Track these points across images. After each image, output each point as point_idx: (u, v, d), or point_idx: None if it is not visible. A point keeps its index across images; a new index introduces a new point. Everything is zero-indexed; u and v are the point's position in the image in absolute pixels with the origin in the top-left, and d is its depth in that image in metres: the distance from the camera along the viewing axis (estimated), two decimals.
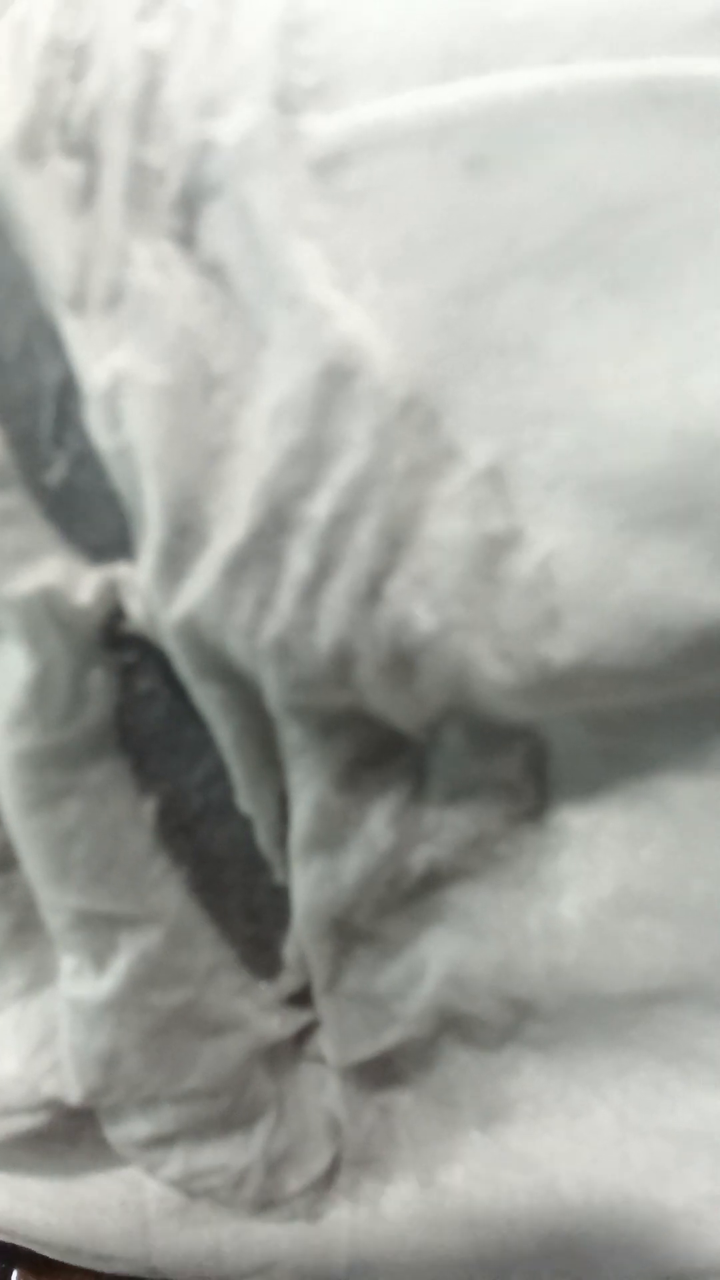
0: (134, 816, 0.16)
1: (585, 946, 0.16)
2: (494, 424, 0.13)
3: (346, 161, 0.13)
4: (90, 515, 0.14)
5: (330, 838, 0.16)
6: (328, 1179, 0.19)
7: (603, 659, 0.13)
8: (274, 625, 0.13)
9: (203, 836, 0.16)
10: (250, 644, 0.13)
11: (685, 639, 0.13)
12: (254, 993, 0.17)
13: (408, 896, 0.16)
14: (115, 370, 0.13)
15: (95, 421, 0.13)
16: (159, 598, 0.13)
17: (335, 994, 0.17)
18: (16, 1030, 0.17)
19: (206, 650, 0.14)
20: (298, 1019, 0.18)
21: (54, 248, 0.13)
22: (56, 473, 0.14)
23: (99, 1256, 0.20)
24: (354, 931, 0.16)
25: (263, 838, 0.16)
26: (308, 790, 0.15)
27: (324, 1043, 0.18)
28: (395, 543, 0.13)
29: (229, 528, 0.13)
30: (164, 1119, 0.17)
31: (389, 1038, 0.17)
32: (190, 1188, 0.18)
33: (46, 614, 0.14)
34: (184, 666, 0.14)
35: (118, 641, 0.15)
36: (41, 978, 0.17)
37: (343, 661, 0.13)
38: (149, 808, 0.16)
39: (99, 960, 0.16)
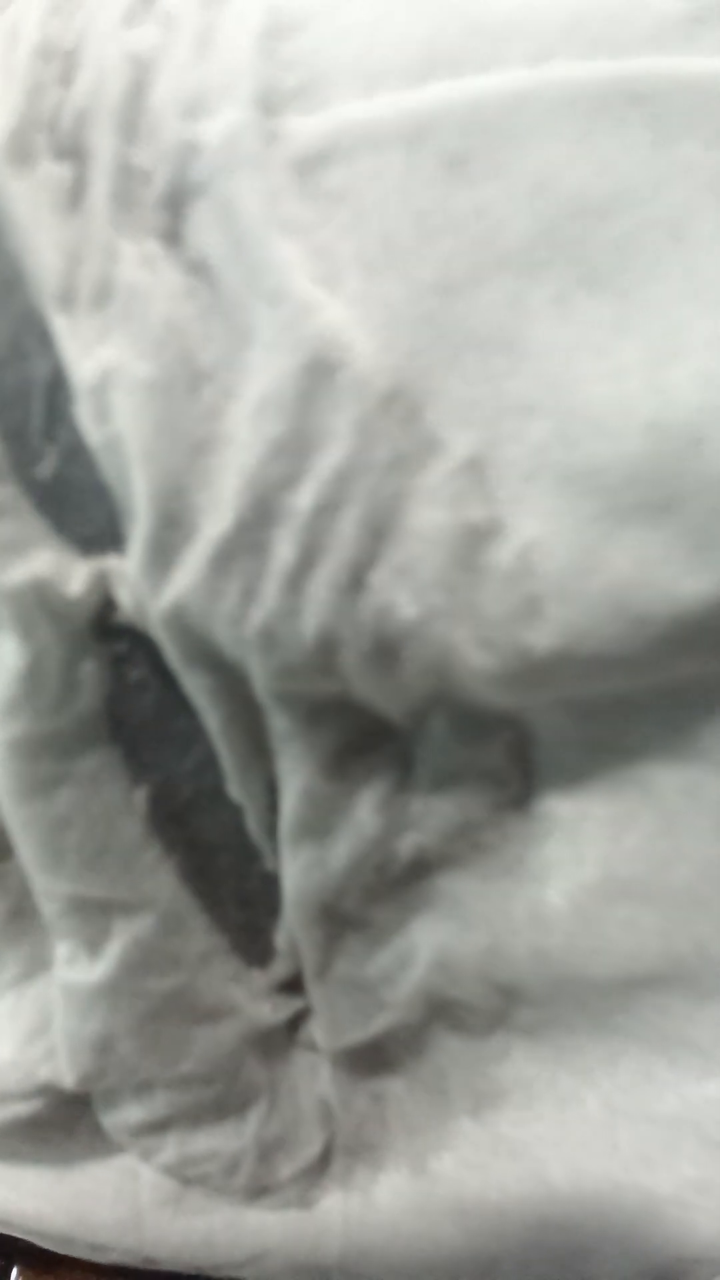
0: (126, 804, 0.16)
1: (570, 931, 0.16)
2: (474, 416, 0.13)
3: (327, 161, 0.13)
4: (81, 508, 0.14)
5: (319, 825, 0.16)
6: (320, 1166, 0.19)
7: (583, 646, 0.13)
8: (260, 614, 0.13)
9: (194, 825, 0.16)
10: (237, 632, 0.14)
11: (663, 626, 0.13)
12: (246, 979, 0.18)
13: (396, 883, 0.17)
14: (104, 365, 0.13)
15: (84, 415, 0.13)
16: (148, 588, 0.14)
17: (326, 980, 0.17)
18: (12, 1017, 0.18)
19: (194, 639, 0.14)
20: (290, 1006, 0.18)
21: (44, 246, 0.13)
22: (47, 466, 0.14)
23: (94, 1246, 0.20)
24: (344, 918, 0.17)
25: (253, 825, 0.16)
26: (296, 777, 0.15)
27: (316, 1029, 0.18)
28: (378, 533, 0.13)
29: (215, 519, 0.13)
30: (158, 1104, 0.18)
31: (379, 1023, 0.18)
32: (184, 1174, 0.19)
33: (38, 605, 0.14)
34: (173, 655, 0.14)
35: (109, 632, 0.15)
36: (37, 965, 0.18)
37: (327, 649, 0.14)
38: (141, 796, 0.16)
39: (93, 946, 0.16)
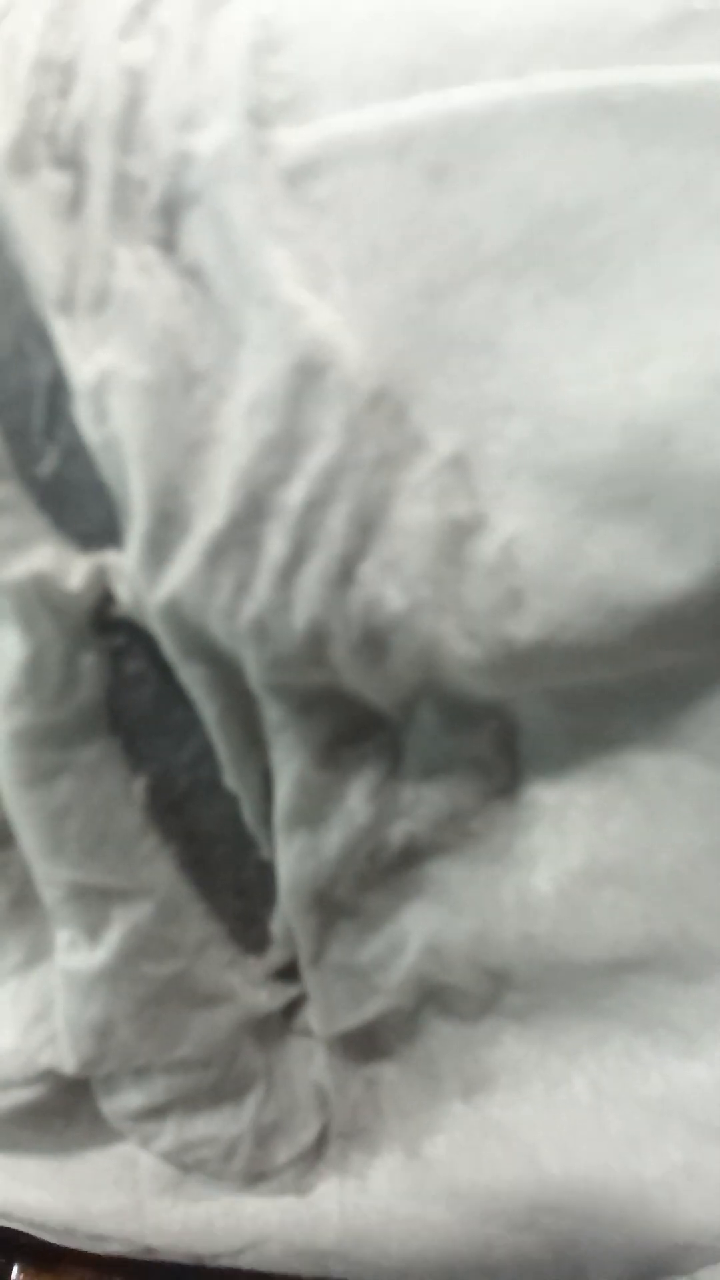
0: (125, 794, 0.16)
1: (557, 917, 0.17)
2: (458, 415, 0.13)
3: (316, 171, 0.13)
4: (80, 505, 0.15)
5: (312, 813, 0.16)
6: (317, 1151, 0.19)
7: (564, 637, 0.14)
8: (252, 607, 0.14)
9: (191, 814, 0.17)
10: (230, 625, 0.14)
11: (641, 617, 0.14)
12: (243, 966, 0.18)
13: (388, 870, 0.17)
14: (102, 367, 0.13)
15: (83, 416, 0.14)
16: (144, 582, 0.14)
17: (320, 967, 0.18)
18: (14, 1004, 0.18)
19: (190, 632, 0.15)
20: (286, 993, 0.18)
21: (44, 253, 0.14)
22: (48, 465, 0.15)
23: (95, 1236, 0.20)
24: (337, 905, 0.17)
25: (249, 815, 0.17)
26: (289, 767, 0.16)
27: (311, 1015, 0.18)
28: (366, 528, 0.14)
29: (209, 515, 0.14)
30: (156, 1089, 0.18)
31: (372, 1008, 0.18)
32: (182, 1159, 0.19)
33: (39, 599, 0.15)
34: (169, 648, 0.15)
35: (107, 626, 0.15)
36: (38, 953, 0.18)
37: (318, 641, 0.14)
38: (139, 786, 0.16)
39: (92, 932, 0.17)
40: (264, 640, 0.14)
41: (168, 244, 0.14)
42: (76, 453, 0.14)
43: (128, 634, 0.15)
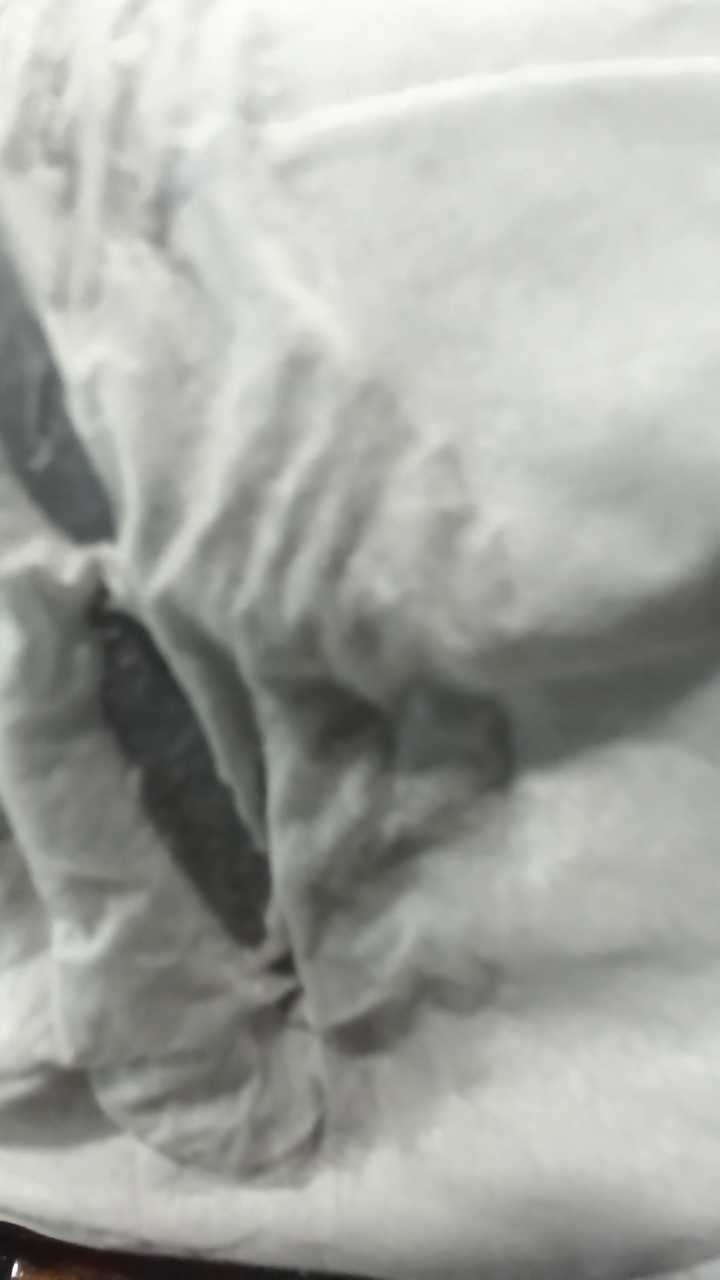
0: (120, 787, 0.16)
1: (550, 909, 0.17)
2: (447, 408, 0.14)
3: (306, 165, 0.13)
4: (74, 499, 0.15)
5: (305, 805, 0.16)
6: (313, 1144, 0.19)
7: (554, 628, 0.14)
8: (244, 598, 0.14)
9: (186, 806, 0.17)
10: (223, 616, 0.14)
11: (630, 608, 0.14)
12: (238, 959, 0.18)
13: (381, 863, 0.17)
14: (94, 360, 0.14)
15: (76, 409, 0.14)
16: (137, 574, 0.14)
17: (315, 959, 0.18)
18: (11, 996, 0.18)
19: (183, 623, 0.15)
20: (281, 986, 0.18)
21: (37, 248, 0.14)
22: (42, 459, 0.15)
23: (92, 1230, 0.20)
24: (331, 897, 0.17)
25: (243, 807, 0.17)
26: (283, 759, 0.16)
27: (306, 1008, 0.18)
28: (357, 519, 0.14)
29: (201, 508, 0.14)
30: (152, 1081, 0.18)
31: (367, 1001, 0.18)
32: (179, 1152, 0.19)
33: (33, 592, 0.15)
34: (162, 640, 0.15)
35: (102, 619, 0.15)
36: (35, 945, 0.18)
37: (309, 632, 0.14)
38: (134, 779, 0.16)
39: (88, 924, 0.17)
40: (256, 631, 0.14)
41: (159, 238, 0.14)
42: (70, 447, 0.15)
43: (122, 627, 0.15)
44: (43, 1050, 0.18)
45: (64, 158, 0.14)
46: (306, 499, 0.14)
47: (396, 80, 0.13)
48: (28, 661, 0.15)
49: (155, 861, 0.17)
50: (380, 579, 0.14)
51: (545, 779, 0.16)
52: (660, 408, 0.13)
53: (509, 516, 0.14)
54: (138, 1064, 0.18)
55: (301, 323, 0.13)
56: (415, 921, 0.17)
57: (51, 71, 0.14)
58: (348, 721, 0.16)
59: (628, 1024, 0.18)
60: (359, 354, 0.13)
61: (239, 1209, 0.20)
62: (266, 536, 0.14)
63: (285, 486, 0.14)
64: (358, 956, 0.18)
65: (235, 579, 0.14)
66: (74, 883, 0.17)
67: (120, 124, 0.14)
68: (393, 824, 0.17)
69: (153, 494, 0.14)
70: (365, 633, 0.14)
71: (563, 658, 0.14)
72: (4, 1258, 0.22)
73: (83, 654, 0.15)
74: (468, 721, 0.16)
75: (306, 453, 0.13)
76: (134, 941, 0.17)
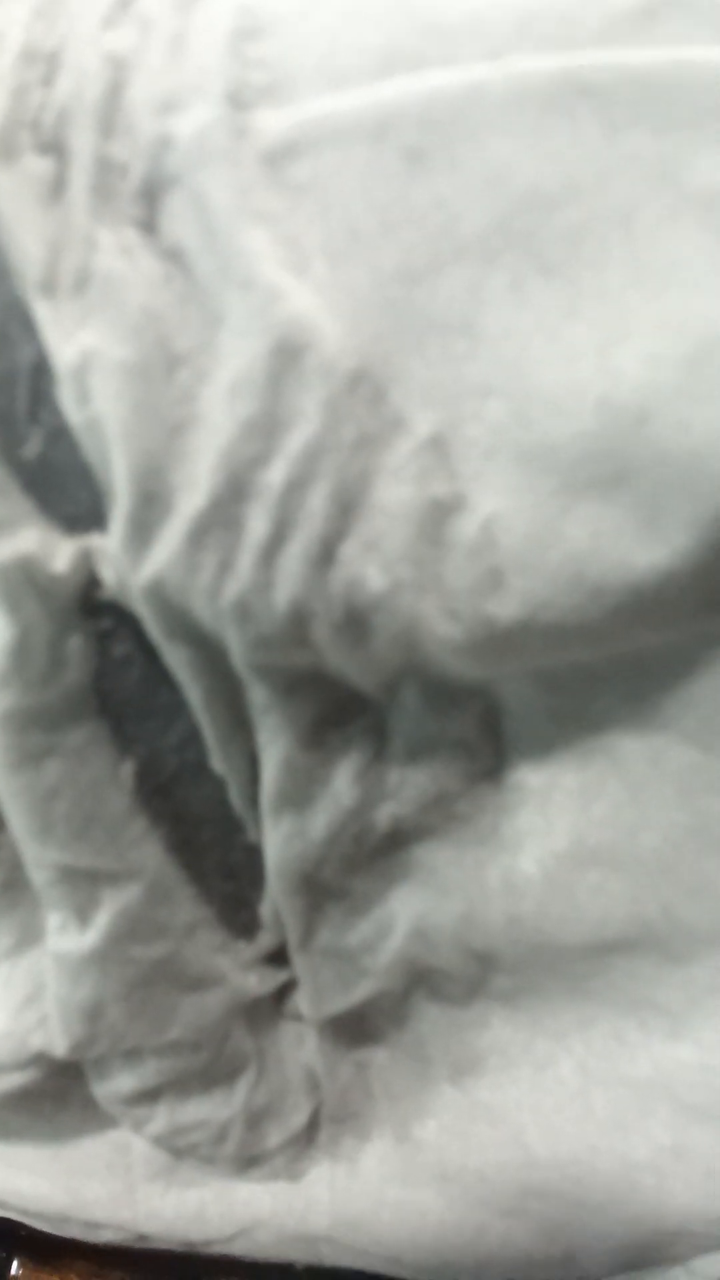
0: (113, 777, 0.16)
1: (542, 898, 0.17)
2: (436, 396, 0.14)
3: (295, 154, 0.14)
4: (65, 488, 0.15)
5: (298, 795, 0.16)
6: (308, 1135, 0.19)
7: (544, 616, 0.14)
8: (234, 587, 0.14)
9: (179, 797, 0.17)
10: (213, 605, 0.14)
11: (619, 596, 0.14)
12: (232, 950, 0.18)
13: (374, 853, 0.17)
14: (84, 349, 0.14)
15: (66, 397, 0.14)
16: (128, 563, 0.14)
17: (309, 950, 0.18)
18: (5, 987, 0.18)
19: (174, 612, 0.15)
20: (276, 977, 0.18)
21: (27, 237, 0.14)
22: (32, 448, 0.15)
23: (89, 1224, 0.20)
24: (325, 888, 0.17)
25: (236, 797, 0.17)
26: (275, 749, 0.16)
27: (301, 999, 0.18)
28: (346, 508, 0.14)
29: (191, 496, 0.14)
30: (147, 1072, 0.18)
31: (361, 991, 0.18)
32: (174, 1144, 0.19)
33: (25, 581, 0.15)
34: (154, 629, 0.15)
35: (94, 609, 0.15)
36: (29, 936, 0.18)
37: (300, 620, 0.14)
38: (127, 769, 0.16)
39: (82, 915, 0.17)
40: (247, 620, 0.14)
41: (149, 226, 0.14)
42: (61, 436, 0.15)
43: (114, 617, 0.16)
44: (37, 1042, 0.18)
45: (54, 147, 0.14)
46: (296, 487, 0.14)
47: (384, 70, 0.13)
48: (20, 652, 0.15)
49: (149, 852, 0.17)
50: (370, 567, 0.14)
51: (537, 769, 0.16)
52: (647, 396, 0.13)
53: (498, 505, 0.14)
54: (132, 1055, 0.18)
55: (290, 312, 0.13)
56: (408, 912, 0.17)
57: (43, 64, 0.14)
58: (340, 711, 0.16)
59: (620, 1013, 0.18)
60: (348, 343, 0.13)
61: (235, 1201, 0.20)
62: (256, 525, 0.14)
63: (275, 475, 0.14)
64: (351, 947, 0.18)
65: (225, 567, 0.14)
66: (67, 873, 0.17)
67: (110, 114, 0.14)
68: (385, 814, 0.17)
69: (142, 482, 0.14)
70: (356, 621, 0.14)
71: (553, 646, 0.14)
72: (3, 1255, 0.22)
73: (75, 644, 0.15)
74: (459, 711, 0.16)
75: (296, 441, 0.13)
76: (128, 932, 0.17)
